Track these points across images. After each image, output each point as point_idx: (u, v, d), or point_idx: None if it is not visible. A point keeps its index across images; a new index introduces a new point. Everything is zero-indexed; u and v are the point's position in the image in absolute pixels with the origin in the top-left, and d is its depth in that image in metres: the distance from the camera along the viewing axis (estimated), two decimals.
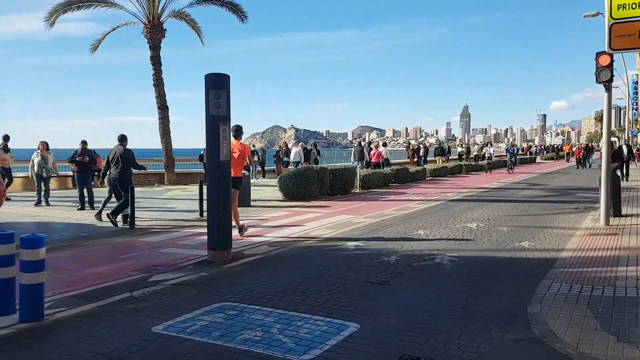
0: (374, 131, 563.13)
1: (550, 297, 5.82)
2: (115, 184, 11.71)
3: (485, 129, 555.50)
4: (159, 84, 22.24)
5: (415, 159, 34.51)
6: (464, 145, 35.76)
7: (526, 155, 56.05)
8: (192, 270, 7.28)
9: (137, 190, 20.29)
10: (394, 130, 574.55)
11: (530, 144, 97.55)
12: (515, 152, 36.35)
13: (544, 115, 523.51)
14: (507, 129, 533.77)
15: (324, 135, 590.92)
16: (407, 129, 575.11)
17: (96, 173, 20.99)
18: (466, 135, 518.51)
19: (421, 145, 37.31)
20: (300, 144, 24.08)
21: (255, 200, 16.36)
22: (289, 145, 26.67)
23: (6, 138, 17.46)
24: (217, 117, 7.67)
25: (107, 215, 11.32)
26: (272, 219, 12.34)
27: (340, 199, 16.97)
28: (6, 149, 17.01)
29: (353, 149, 28.90)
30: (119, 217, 11.52)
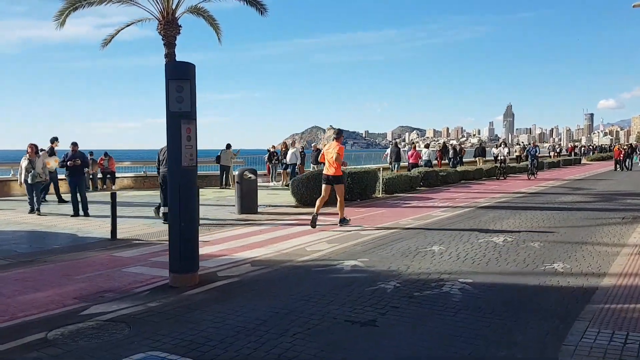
0: (414, 131, 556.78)
1: (584, 352, 4.32)
2: (165, 180, 11.90)
3: (530, 129, 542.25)
4: None
5: (445, 161, 32.57)
6: (499, 146, 32.18)
7: (570, 155, 53.22)
8: (144, 299, 6.03)
9: (147, 194, 19.50)
10: (434, 130, 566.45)
11: (576, 143, 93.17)
12: (537, 153, 30.10)
13: (591, 115, 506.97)
14: (552, 128, 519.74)
15: (363, 135, 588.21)
16: (448, 129, 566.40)
17: (91, 177, 20.29)
18: (510, 135, 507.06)
19: (449, 145, 34.76)
20: (297, 144, 22.47)
21: (265, 206, 15.12)
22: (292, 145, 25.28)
23: (53, 140, 16.93)
24: (179, 114, 6.40)
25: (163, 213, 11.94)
26: (272, 229, 11.04)
27: (358, 205, 15.56)
28: (51, 153, 16.47)
29: (389, 149, 27.66)
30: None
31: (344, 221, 11.51)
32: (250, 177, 14.10)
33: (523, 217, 12.66)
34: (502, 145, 31.96)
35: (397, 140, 39.38)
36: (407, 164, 26.27)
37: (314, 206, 14.61)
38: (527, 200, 16.64)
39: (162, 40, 21.06)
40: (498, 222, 11.87)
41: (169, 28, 20.83)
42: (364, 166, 31.71)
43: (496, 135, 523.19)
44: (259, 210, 14.25)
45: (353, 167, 23.85)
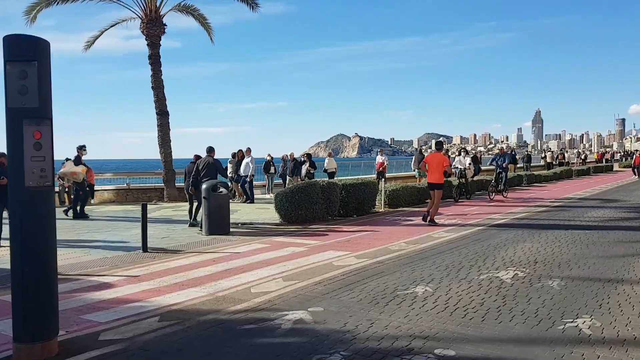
0: (441, 138, 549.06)
1: None
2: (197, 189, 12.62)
3: (559, 135, 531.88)
4: (158, 86, 19.53)
5: (418, 172, 28.62)
6: (459, 154, 24.34)
7: (601, 162, 50.11)
8: None
9: (125, 209, 17.64)
10: (461, 137, 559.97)
11: (607, 149, 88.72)
12: (504, 163, 20.18)
13: (623, 120, 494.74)
14: (582, 134, 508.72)
15: (389, 143, 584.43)
16: (475, 135, 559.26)
17: (66, 190, 18.53)
18: (539, 142, 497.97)
19: (461, 153, 31.42)
20: (251, 153, 19.13)
21: (244, 225, 13.13)
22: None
23: (80, 149, 15.60)
24: (22, 112, 4.42)
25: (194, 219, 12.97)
26: (230, 257, 9.02)
27: (351, 222, 13.47)
28: (78, 162, 15.10)
29: (414, 156, 25.73)
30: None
31: (432, 222, 12.93)
32: (220, 192, 12.12)
33: (543, 239, 10.41)
34: (462, 154, 22.31)
35: (423, 147, 36.70)
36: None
37: (299, 224, 12.73)
38: (549, 217, 14.31)
39: (146, 40, 19.35)
40: (511, 247, 9.65)
41: (153, 27, 19.19)
42: (390, 174, 29.94)
43: (525, 141, 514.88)
44: (232, 229, 12.27)
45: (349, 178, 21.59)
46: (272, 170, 21.49)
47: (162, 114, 19.54)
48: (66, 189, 18.83)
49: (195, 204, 13.23)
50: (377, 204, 16.38)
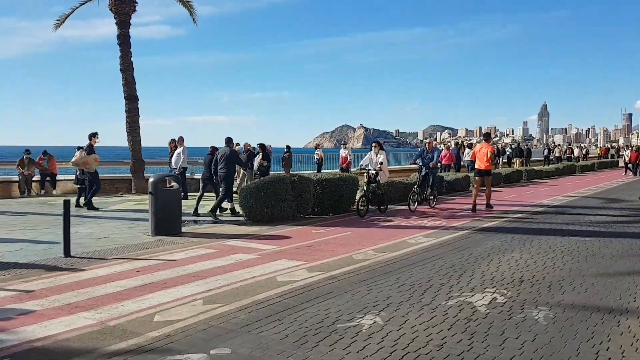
0: (446, 130, 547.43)
1: None
2: (220, 180, 12.79)
3: (565, 129, 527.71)
4: (127, 68, 18.07)
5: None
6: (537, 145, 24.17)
7: (606, 158, 48.38)
8: None
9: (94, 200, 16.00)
10: (466, 129, 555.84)
11: (613, 144, 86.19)
12: (434, 163, 14.73)
13: (630, 115, 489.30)
14: (588, 128, 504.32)
15: (394, 134, 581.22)
16: (480, 128, 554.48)
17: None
18: (544, 135, 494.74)
19: (443, 144, 29.56)
20: (183, 142, 16.67)
21: (198, 223, 11.72)
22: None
23: (92, 137, 14.55)
24: None
25: (210, 212, 12.55)
26: (158, 267, 7.60)
27: (324, 222, 12.07)
28: (90, 151, 14.11)
29: (420, 149, 24.18)
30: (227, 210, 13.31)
31: (489, 206, 14.43)
32: (171, 186, 10.71)
33: (534, 249, 8.95)
34: (375, 149, 14.21)
35: (429, 139, 35.52)
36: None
37: (266, 223, 11.40)
38: (543, 219, 12.84)
39: (115, 18, 17.87)
40: (495, 258, 8.20)
41: (122, 4, 17.65)
42: (394, 167, 28.68)
43: (530, 134, 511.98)
44: (185, 228, 10.88)
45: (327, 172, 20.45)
46: (255, 161, 20.04)
47: (131, 99, 18.07)
48: (26, 177, 17.46)
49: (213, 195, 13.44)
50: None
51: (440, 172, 22.75)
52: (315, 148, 25.11)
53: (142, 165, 18.16)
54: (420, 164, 15.00)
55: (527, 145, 38.68)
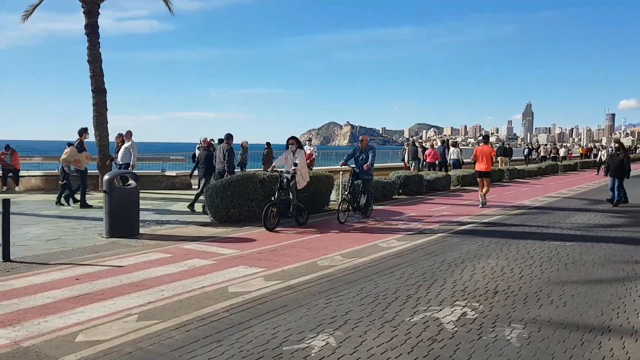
0: (432, 129, 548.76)
1: None
2: (219, 176, 12.99)
3: (549, 128, 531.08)
4: (95, 60, 17.27)
5: (411, 163, 24.18)
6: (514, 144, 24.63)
7: (589, 158, 48.19)
8: None
9: (38, 199, 15.20)
10: (452, 128, 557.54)
11: (596, 144, 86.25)
12: (369, 164, 12.10)
13: (613, 115, 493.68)
14: (572, 128, 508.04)
15: (380, 132, 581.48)
16: (466, 127, 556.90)
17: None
18: (528, 135, 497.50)
19: (429, 142, 29.10)
20: (131, 137, 15.30)
21: (160, 224, 11.05)
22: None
23: (82, 132, 13.99)
24: None
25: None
26: (97, 275, 6.92)
27: (293, 224, 11.41)
28: (81, 148, 13.53)
29: (407, 149, 24.22)
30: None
31: (484, 204, 14.80)
32: (128, 184, 10.02)
33: (512, 255, 8.40)
34: (292, 147, 11.61)
35: (415, 137, 35.25)
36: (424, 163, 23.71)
37: (233, 224, 10.77)
38: (523, 222, 12.32)
39: (82, 7, 17.06)
40: (470, 265, 7.64)
41: None
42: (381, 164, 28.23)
43: (515, 134, 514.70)
44: (144, 229, 10.20)
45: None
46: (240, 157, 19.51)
47: (99, 92, 17.27)
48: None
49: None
50: (335, 200, 14.34)
51: (428, 169, 22.51)
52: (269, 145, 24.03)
53: (110, 162, 17.37)
54: (353, 165, 12.52)
55: (508, 144, 38.19)
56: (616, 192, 15.27)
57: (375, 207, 14.03)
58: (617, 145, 16.64)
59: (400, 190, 17.39)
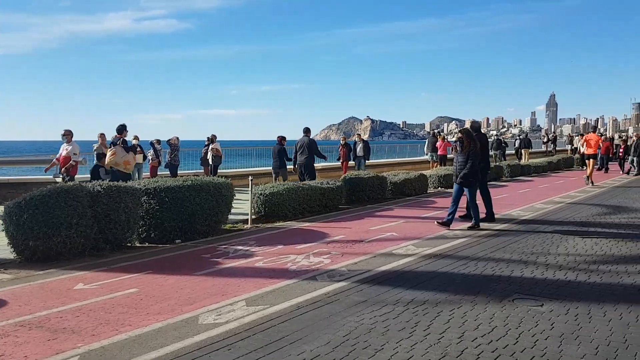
0: (453, 122, 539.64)
1: None
2: (302, 169, 13.62)
3: (574, 119, 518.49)
4: None
5: (431, 155, 24.23)
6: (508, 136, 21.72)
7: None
8: None
9: None
10: (474, 120, 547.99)
11: (622, 134, 79.77)
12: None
13: (639, 104, 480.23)
14: (597, 118, 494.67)
15: (401, 126, 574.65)
16: (488, 119, 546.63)
17: None
18: (552, 126, 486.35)
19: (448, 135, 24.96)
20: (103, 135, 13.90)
21: None
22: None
23: (122, 130, 12.03)
24: None
25: None
26: None
27: (141, 258, 7.48)
28: (127, 146, 12.01)
29: (427, 140, 25.13)
30: None
31: (593, 183, 18.14)
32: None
33: (426, 343, 4.32)
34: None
35: (436, 130, 32.83)
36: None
37: (37, 262, 6.90)
38: (501, 246, 8.18)
39: None
40: (413, 333, 3.59)
41: None
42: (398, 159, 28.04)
43: (538, 125, 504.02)
44: None
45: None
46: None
47: None
48: None
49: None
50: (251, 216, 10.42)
51: (442, 164, 21.69)
52: (210, 142, 18.29)
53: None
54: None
55: (526, 135, 33.67)
56: None
57: (296, 225, 10.04)
58: None
59: (353, 197, 13.31)
